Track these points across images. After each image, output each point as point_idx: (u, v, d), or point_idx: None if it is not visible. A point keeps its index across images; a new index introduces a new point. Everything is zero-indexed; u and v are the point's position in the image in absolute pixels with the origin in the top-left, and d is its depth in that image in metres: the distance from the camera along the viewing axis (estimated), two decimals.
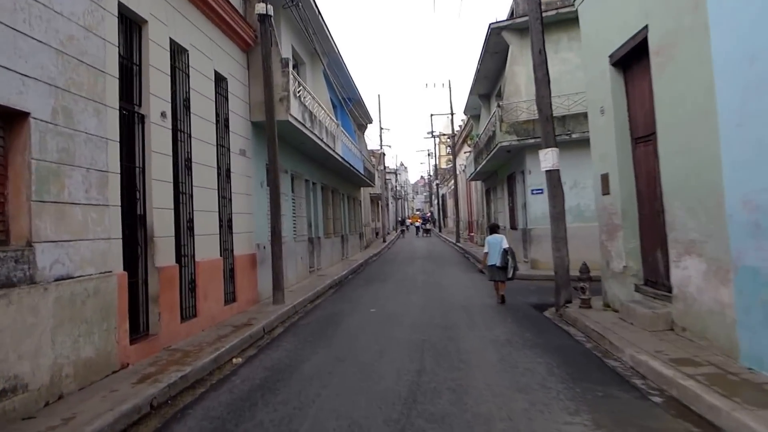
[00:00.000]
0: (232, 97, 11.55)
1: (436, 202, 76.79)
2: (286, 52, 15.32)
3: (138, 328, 7.66)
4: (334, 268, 21.66)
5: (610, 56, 9.47)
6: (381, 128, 44.07)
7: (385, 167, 48.24)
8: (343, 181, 27.23)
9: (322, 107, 16.80)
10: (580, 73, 17.10)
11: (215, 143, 10.52)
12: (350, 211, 29.63)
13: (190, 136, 9.48)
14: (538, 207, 17.57)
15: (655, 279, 8.79)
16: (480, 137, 23.89)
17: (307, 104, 14.52)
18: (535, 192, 17.63)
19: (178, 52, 9.30)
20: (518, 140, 17.24)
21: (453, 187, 50.38)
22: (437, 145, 70.88)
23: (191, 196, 9.46)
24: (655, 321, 7.87)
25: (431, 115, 36.78)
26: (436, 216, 76.78)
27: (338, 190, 25.50)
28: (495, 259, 12.27)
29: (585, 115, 16.35)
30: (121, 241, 7.01)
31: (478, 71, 22.90)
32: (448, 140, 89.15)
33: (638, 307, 8.44)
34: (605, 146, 10.04)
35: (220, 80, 11.13)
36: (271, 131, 11.94)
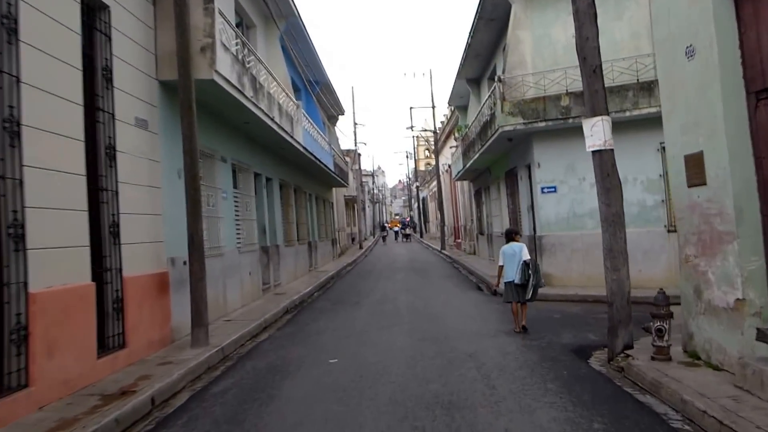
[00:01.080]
0: (121, 38, 7.68)
1: (416, 205, 73.32)
2: (225, 5, 11.49)
3: None
4: (298, 282, 17.79)
5: None
6: (355, 123, 40.29)
7: (360, 167, 44.46)
8: (310, 179, 23.43)
9: (274, 78, 13.01)
10: (618, 33, 13.56)
11: (82, 102, 6.65)
12: (320, 214, 25.83)
13: (18, 80, 5.61)
14: (550, 209, 13.93)
15: None
16: (470, 128, 20.27)
17: (249, 66, 10.69)
18: (546, 190, 13.99)
19: None
20: (525, 123, 13.57)
21: (435, 188, 46.84)
22: (416, 148, 67.45)
23: (20, 183, 5.59)
24: None
25: (411, 108, 33.08)
26: (416, 221, 73.35)
27: (302, 189, 21.67)
28: (513, 275, 9.38)
29: (625, 88, 12.79)
30: None
31: (468, 47, 19.24)
32: (430, 138, 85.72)
33: None
34: (696, 108, 6.38)
35: (95, 7, 7.27)
36: (185, 93, 8.11)
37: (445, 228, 36.88)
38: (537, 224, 14.38)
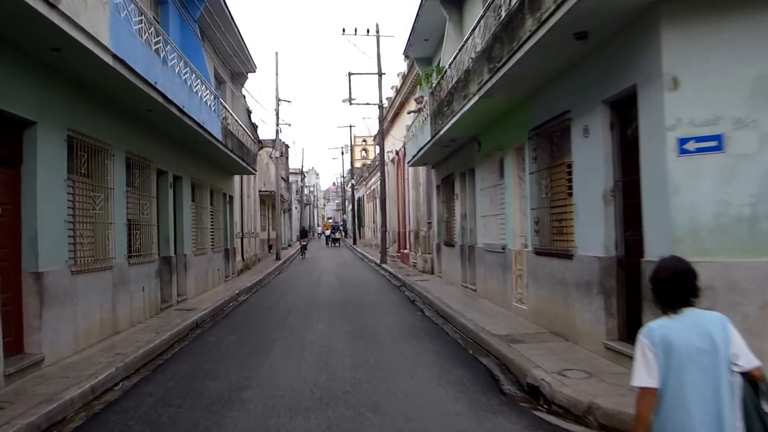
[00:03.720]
0: None
1: (350, 207, 64.60)
2: None
3: None
4: (124, 339, 8.57)
5: None
6: (278, 99, 31.13)
7: (283, 152, 35.32)
8: (188, 157, 14.28)
9: None
10: None
11: None
12: (206, 212, 16.56)
13: None
14: (702, 193, 5.47)
15: None
16: (451, 68, 11.73)
17: None
18: (696, 147, 5.49)
19: None
20: None
21: (377, 185, 38.22)
22: (352, 140, 58.85)
23: None
24: None
25: (349, 74, 24.63)
26: (349, 225, 64.70)
27: (167, 171, 12.50)
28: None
29: None
30: None
31: None
32: (367, 138, 76.80)
33: None
34: None
35: None
36: None
37: (387, 234, 28.17)
38: (659, 231, 5.81)
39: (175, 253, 13.38)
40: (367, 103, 26.56)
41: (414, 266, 23.18)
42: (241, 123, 18.70)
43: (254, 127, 24.43)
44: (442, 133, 12.88)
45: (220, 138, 14.52)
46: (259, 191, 34.07)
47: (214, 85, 16.99)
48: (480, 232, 13.11)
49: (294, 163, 65.21)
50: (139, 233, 10.96)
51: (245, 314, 12.77)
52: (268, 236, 38.54)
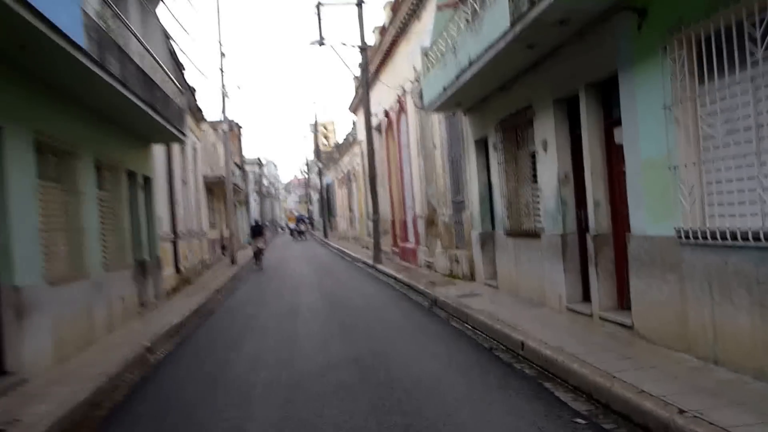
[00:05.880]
0: None
1: (317, 198, 57.30)
2: None
3: None
4: None
5: None
6: (222, 54, 23.71)
7: (233, 128, 27.70)
8: (31, 93, 6.81)
9: None
10: None
11: None
12: (86, 201, 9.04)
13: None
14: None
15: None
16: None
17: None
18: None
19: None
20: None
21: (353, 165, 31.19)
22: (316, 126, 51.57)
23: None
24: None
25: (318, 4, 18.06)
26: (317, 216, 57.64)
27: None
28: None
29: None
30: None
31: None
32: (328, 126, 68.98)
33: None
34: None
35: None
36: None
37: (378, 224, 20.88)
38: None
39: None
40: (344, 44, 19.02)
41: (429, 267, 16.05)
42: (150, 50, 11.13)
43: (180, 68, 16.66)
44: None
45: (81, 43, 6.99)
46: (205, 178, 26.47)
47: None
48: (637, 202, 6.10)
49: (249, 151, 57.50)
50: None
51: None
52: (221, 235, 30.91)
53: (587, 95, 7.25)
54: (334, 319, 10.08)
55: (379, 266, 18.58)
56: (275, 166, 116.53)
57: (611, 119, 7.06)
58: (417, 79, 15.95)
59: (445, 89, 10.47)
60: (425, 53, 12.06)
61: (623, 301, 7.07)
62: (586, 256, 7.64)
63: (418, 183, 17.27)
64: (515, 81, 9.15)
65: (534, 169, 9.20)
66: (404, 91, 17.45)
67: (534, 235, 9.08)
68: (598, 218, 7.21)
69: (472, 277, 12.53)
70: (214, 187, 28.69)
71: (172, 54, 16.27)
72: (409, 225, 19.02)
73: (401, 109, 18.50)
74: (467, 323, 8.88)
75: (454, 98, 10.72)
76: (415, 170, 17.42)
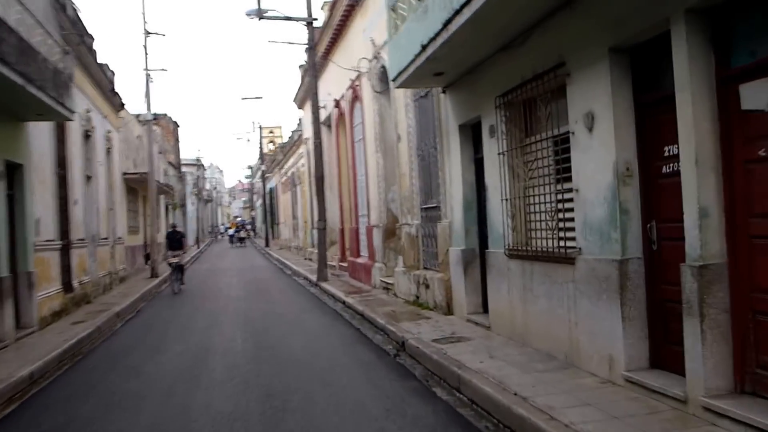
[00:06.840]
0: None
1: (260, 202, 53.61)
2: None
3: None
4: None
5: None
6: (145, 23, 19.98)
7: (164, 118, 23.83)
8: None
9: None
10: None
11: None
12: None
13: None
14: None
15: None
16: None
17: None
18: None
19: None
20: None
21: (296, 167, 27.89)
22: (260, 132, 48.18)
23: None
24: None
25: None
26: (260, 223, 54.18)
27: None
28: None
29: None
30: None
31: None
32: (274, 130, 65.38)
33: None
34: None
35: None
36: None
37: (324, 233, 17.54)
38: None
39: None
40: (288, 18, 15.66)
41: (386, 290, 12.88)
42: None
43: (71, 22, 12.76)
44: None
45: None
46: (125, 174, 22.55)
47: None
48: None
49: (188, 151, 53.35)
50: None
51: None
52: (145, 241, 26.83)
53: (689, 27, 4.26)
54: (256, 386, 6.61)
55: (325, 285, 15.30)
56: (220, 170, 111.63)
57: (730, 69, 4.10)
58: (376, 56, 12.85)
59: (424, 47, 7.34)
60: (392, 7, 8.91)
61: (743, 382, 4.10)
62: (658, 298, 4.66)
63: (375, 186, 14.10)
64: (536, 27, 6.13)
65: (559, 161, 6.17)
66: (359, 73, 14.31)
67: (560, 258, 6.03)
68: (707, 238, 4.21)
69: (448, 309, 9.41)
70: (138, 187, 24.75)
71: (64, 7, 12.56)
72: (362, 236, 15.81)
73: (355, 96, 15.35)
74: (461, 393, 5.76)
75: (435, 63, 7.62)
76: (372, 170, 14.25)
